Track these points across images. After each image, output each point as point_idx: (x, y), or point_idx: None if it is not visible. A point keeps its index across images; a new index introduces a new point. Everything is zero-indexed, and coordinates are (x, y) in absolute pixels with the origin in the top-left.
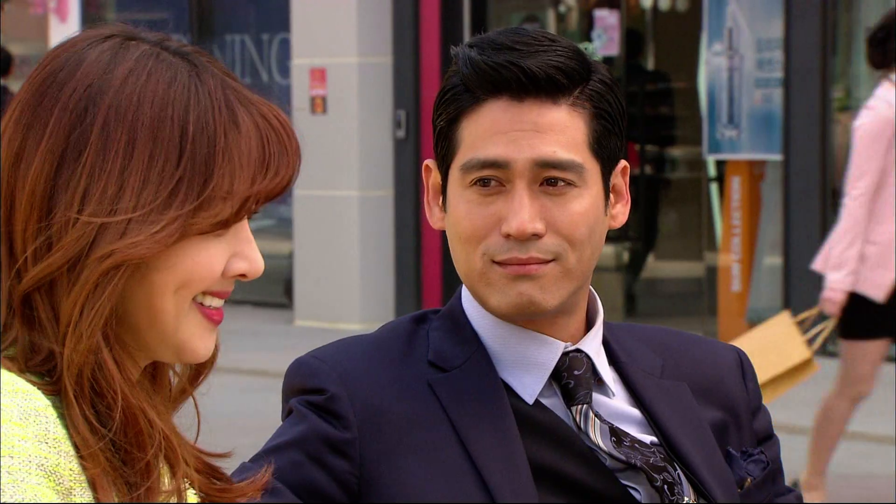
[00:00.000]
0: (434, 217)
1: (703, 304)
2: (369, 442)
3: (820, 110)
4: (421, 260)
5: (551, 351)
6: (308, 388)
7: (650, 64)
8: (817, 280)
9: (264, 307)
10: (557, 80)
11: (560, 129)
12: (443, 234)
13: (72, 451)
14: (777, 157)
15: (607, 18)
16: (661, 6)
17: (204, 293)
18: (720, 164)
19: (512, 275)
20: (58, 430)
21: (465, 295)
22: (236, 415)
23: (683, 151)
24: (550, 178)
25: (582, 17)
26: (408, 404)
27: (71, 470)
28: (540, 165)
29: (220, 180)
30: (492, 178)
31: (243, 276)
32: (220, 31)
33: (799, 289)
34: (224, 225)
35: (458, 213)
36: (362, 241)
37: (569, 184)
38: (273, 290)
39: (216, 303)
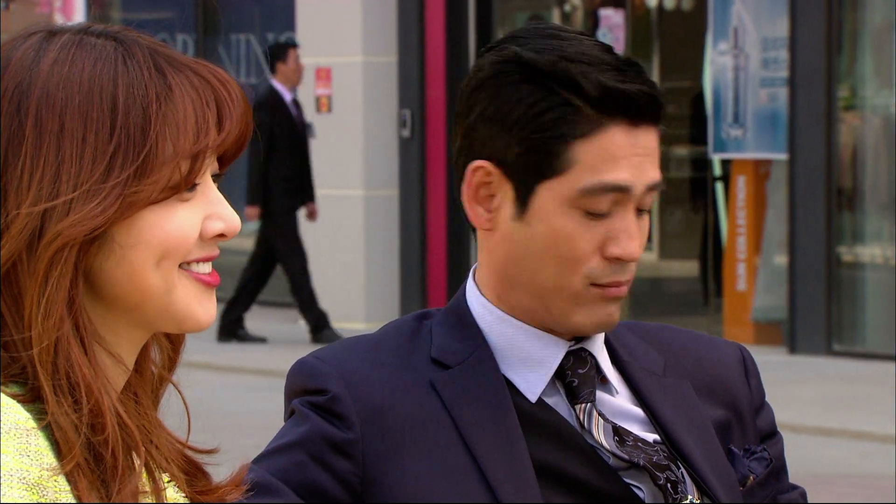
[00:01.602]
0: (480, 217)
1: (709, 303)
2: (371, 442)
3: (825, 110)
4: (426, 259)
5: (556, 349)
6: (310, 388)
7: (655, 63)
8: (822, 279)
9: (269, 306)
10: (663, 105)
11: (656, 154)
12: (448, 232)
13: (55, 463)
14: (782, 156)
15: (612, 18)
16: (667, 5)
17: (189, 262)
18: (725, 164)
19: (609, 297)
20: (39, 443)
21: (471, 291)
22: (241, 414)
23: (689, 151)
24: (645, 202)
25: (587, 17)
26: (410, 404)
27: (55, 482)
28: (649, 190)
29: (159, 144)
30: (608, 203)
31: (222, 235)
32: (225, 31)
33: (804, 288)
34: (178, 188)
35: (558, 232)
36: (367, 241)
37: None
38: (278, 290)
39: (205, 268)
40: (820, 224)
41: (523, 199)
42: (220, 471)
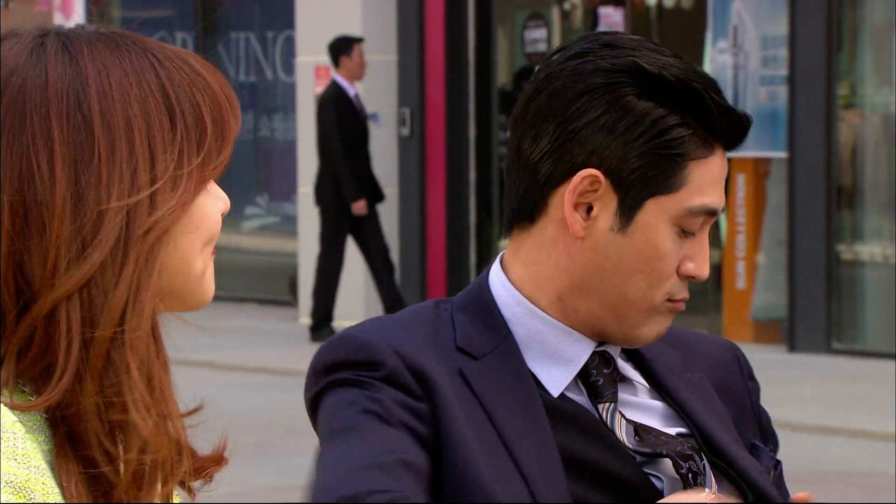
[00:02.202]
0: (576, 224)
1: (708, 301)
2: (432, 412)
3: (825, 108)
4: (425, 258)
5: (583, 348)
6: (358, 361)
7: None
8: (821, 278)
9: (269, 305)
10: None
11: None
12: (447, 231)
13: (43, 465)
14: (782, 154)
15: (612, 16)
16: (666, 4)
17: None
18: None
19: (675, 311)
20: (27, 445)
21: (498, 281)
22: (240, 412)
23: None
24: None
25: (586, 15)
26: (447, 384)
27: (43, 484)
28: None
29: (210, 127)
30: (699, 223)
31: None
32: (224, 29)
33: (804, 286)
34: (224, 169)
35: (658, 248)
36: None
37: None
38: (278, 288)
39: None
40: (819, 222)
41: (628, 213)
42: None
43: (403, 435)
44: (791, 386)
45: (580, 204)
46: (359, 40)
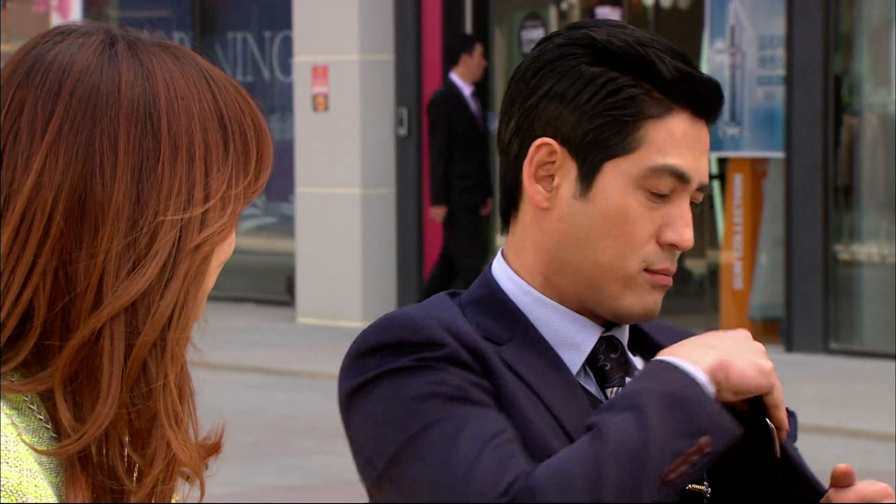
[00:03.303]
0: (539, 195)
1: (706, 301)
2: (493, 387)
3: (822, 108)
4: (423, 257)
5: (590, 333)
6: (414, 341)
7: None
8: (819, 277)
9: (266, 304)
10: (723, 101)
11: (708, 154)
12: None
13: (35, 468)
14: (779, 154)
15: (609, 16)
16: (664, 3)
17: None
18: (722, 162)
19: (658, 283)
20: (19, 448)
21: (503, 272)
22: (238, 412)
23: None
24: (695, 197)
25: (583, 15)
26: (495, 359)
27: (36, 486)
28: (699, 189)
29: (255, 149)
30: (669, 186)
31: None
32: (222, 29)
33: (801, 286)
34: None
35: (622, 211)
36: (364, 239)
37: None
38: (275, 288)
39: None
40: (817, 222)
41: (588, 178)
42: (219, 470)
43: (491, 412)
44: (788, 386)
45: (543, 177)
46: (479, 40)
